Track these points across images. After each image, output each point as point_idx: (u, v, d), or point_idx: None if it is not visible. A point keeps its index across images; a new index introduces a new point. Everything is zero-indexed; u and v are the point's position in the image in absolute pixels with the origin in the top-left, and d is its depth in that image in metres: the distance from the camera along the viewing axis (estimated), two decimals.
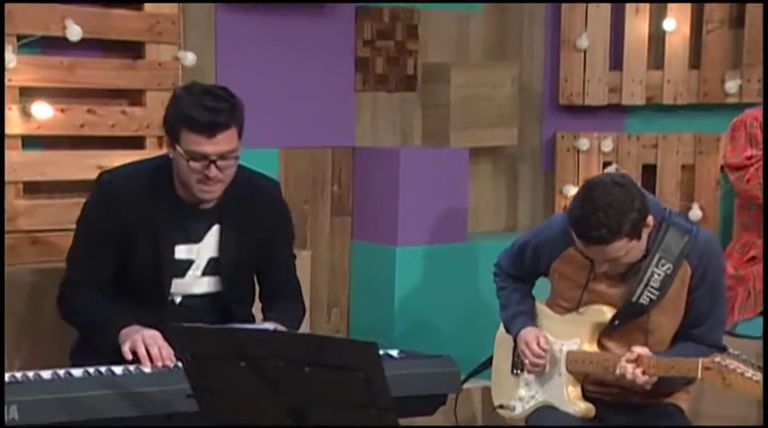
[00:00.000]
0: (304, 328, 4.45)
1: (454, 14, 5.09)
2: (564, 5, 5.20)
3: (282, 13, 4.48)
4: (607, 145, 5.24)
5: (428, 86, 5.00)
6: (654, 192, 5.16)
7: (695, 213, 5.09)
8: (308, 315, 4.64)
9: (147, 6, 4.01)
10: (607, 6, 5.18)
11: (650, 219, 3.02)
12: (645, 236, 3.04)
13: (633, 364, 2.99)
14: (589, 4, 5.18)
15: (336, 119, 4.75)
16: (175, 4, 3.98)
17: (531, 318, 3.35)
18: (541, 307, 3.38)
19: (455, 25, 5.10)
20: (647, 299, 3.09)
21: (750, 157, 3.61)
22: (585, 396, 3.22)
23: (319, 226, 4.76)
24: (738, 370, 2.79)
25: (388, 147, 4.83)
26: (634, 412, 3.20)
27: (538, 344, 3.24)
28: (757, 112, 3.74)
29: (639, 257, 3.08)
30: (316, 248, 4.73)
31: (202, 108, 3.04)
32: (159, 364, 2.95)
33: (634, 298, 3.10)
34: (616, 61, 5.24)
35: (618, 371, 3.02)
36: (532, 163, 5.39)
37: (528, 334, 3.28)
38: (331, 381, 2.32)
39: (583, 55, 5.22)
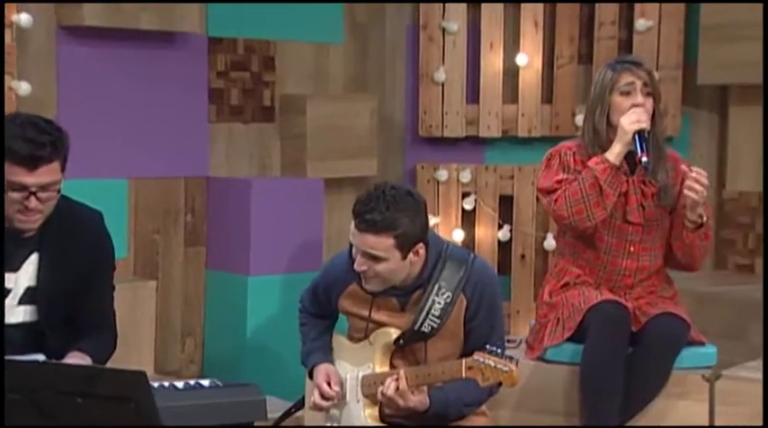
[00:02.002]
0: (150, 357, 4.50)
1: (313, 46, 5.14)
2: (422, 39, 5.29)
3: (131, 43, 4.51)
4: (465, 176, 5.32)
5: (285, 117, 5.05)
6: (511, 222, 5.27)
7: (550, 243, 5.18)
8: (161, 345, 4.71)
9: None
10: (463, 41, 5.28)
11: (422, 250, 3.18)
12: (413, 262, 3.18)
13: (395, 382, 3.12)
14: (446, 39, 5.28)
15: (189, 149, 4.78)
16: (8, 32, 3.98)
17: (326, 354, 3.45)
18: (339, 339, 3.48)
19: (314, 56, 5.16)
20: (429, 327, 3.23)
21: (560, 181, 3.71)
22: (385, 421, 3.29)
23: (172, 255, 4.77)
24: (493, 364, 2.99)
25: (240, 178, 4.86)
26: None
27: (328, 384, 3.34)
28: (571, 144, 3.86)
29: (398, 281, 3.21)
30: (168, 278, 4.74)
31: (23, 140, 3.04)
32: None
33: (416, 327, 3.23)
34: (473, 95, 5.34)
35: (380, 395, 3.15)
36: None
37: (318, 374, 3.39)
38: (103, 412, 2.34)
39: (441, 88, 5.31)
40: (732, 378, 3.57)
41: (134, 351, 4.35)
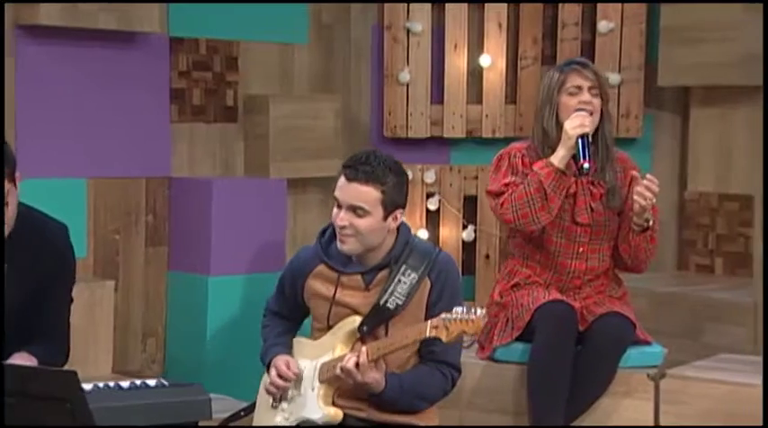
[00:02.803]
0: (108, 357, 4.51)
1: (277, 46, 5.15)
2: (386, 40, 5.31)
3: (90, 42, 4.51)
4: (430, 176, 5.33)
5: (248, 118, 5.06)
6: (475, 223, 5.29)
7: None
8: (122, 345, 4.71)
9: None
10: (427, 42, 5.29)
11: (400, 216, 3.28)
12: (389, 229, 3.26)
13: (356, 357, 3.13)
14: (410, 39, 5.29)
15: (151, 149, 4.78)
16: None
17: (287, 349, 3.44)
18: (299, 339, 3.49)
19: (278, 57, 5.17)
20: (394, 304, 3.24)
21: (507, 184, 3.73)
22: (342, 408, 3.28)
23: (133, 256, 4.77)
24: (457, 318, 3.01)
25: (201, 178, 4.87)
26: None
27: (287, 367, 3.32)
28: (522, 145, 3.88)
29: (372, 245, 3.25)
30: (129, 278, 4.74)
31: None
32: None
33: (382, 302, 3.24)
34: (437, 95, 5.35)
35: (338, 370, 3.14)
36: None
37: (277, 359, 3.37)
38: (37, 412, 2.35)
39: (405, 89, 5.32)
40: (677, 378, 3.60)
41: (92, 350, 4.35)
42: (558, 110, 3.75)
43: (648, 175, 3.66)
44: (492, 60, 5.30)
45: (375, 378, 3.16)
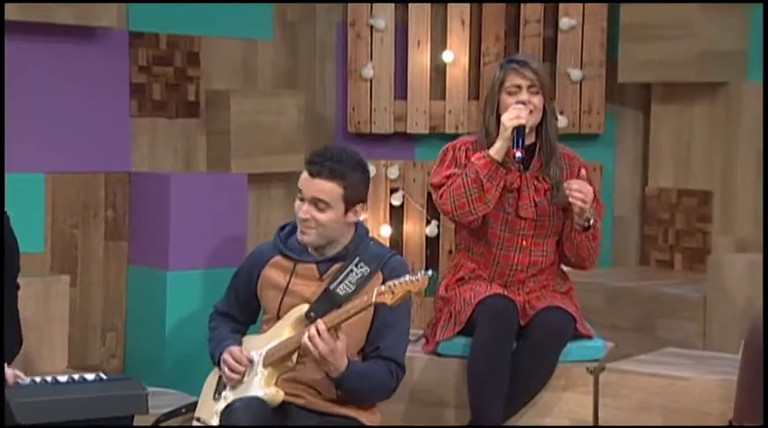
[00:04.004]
0: (64, 352, 4.51)
1: (240, 41, 5.16)
2: (350, 36, 5.32)
3: (49, 37, 4.52)
4: (393, 172, 5.35)
5: (210, 113, 5.06)
6: (438, 218, 5.30)
7: None
8: (81, 340, 4.72)
9: None
10: (391, 38, 5.31)
11: (361, 211, 3.40)
12: (348, 223, 3.35)
13: (314, 326, 3.17)
14: (374, 36, 5.30)
15: (110, 144, 4.78)
16: None
17: (237, 344, 3.45)
18: (247, 337, 3.51)
19: (241, 52, 5.18)
20: (344, 291, 3.31)
21: (448, 177, 3.75)
22: (284, 390, 3.30)
23: (92, 250, 4.77)
24: (402, 281, 3.11)
25: (160, 173, 4.87)
26: (318, 417, 3.30)
27: (240, 352, 3.35)
28: (469, 139, 3.90)
29: (332, 238, 3.34)
30: (88, 273, 4.75)
31: None
32: None
33: (332, 287, 3.32)
34: (401, 91, 5.37)
35: (303, 340, 3.17)
36: None
37: (231, 348, 3.40)
38: None
39: (369, 85, 5.33)
40: (616, 371, 3.61)
41: (46, 346, 4.35)
42: (498, 108, 3.78)
43: (582, 174, 3.69)
44: (455, 57, 5.32)
45: (338, 347, 3.16)
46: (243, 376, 3.35)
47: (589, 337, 3.75)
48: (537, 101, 3.75)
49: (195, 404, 3.60)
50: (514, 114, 3.67)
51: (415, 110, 5.37)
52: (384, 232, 5.36)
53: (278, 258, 3.44)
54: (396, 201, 5.36)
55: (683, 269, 5.07)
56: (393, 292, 3.10)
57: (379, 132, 5.36)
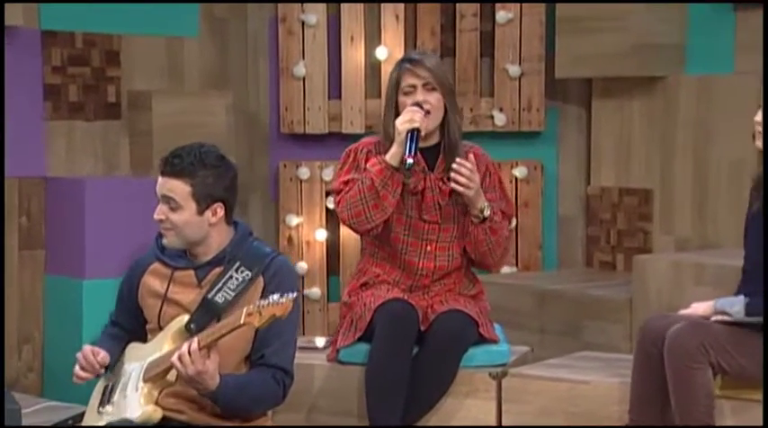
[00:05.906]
0: None
1: (164, 39, 4.98)
2: (281, 33, 5.15)
3: None
4: (328, 174, 5.18)
5: (132, 114, 4.90)
6: None
7: None
8: None
9: None
10: (323, 34, 5.15)
11: (220, 210, 3.20)
12: (211, 223, 3.18)
13: (186, 344, 3.04)
14: (305, 32, 5.13)
15: (23, 148, 4.62)
16: None
17: (110, 348, 3.31)
18: (133, 345, 3.37)
19: (165, 51, 5.00)
20: (222, 299, 3.16)
21: (347, 182, 3.61)
22: (162, 407, 3.17)
23: (6, 260, 4.60)
24: (270, 302, 2.95)
25: (74, 178, 4.70)
26: None
27: (93, 354, 3.22)
28: (372, 140, 3.77)
29: (195, 239, 3.20)
30: (1, 283, 4.56)
31: None
32: None
33: (210, 295, 3.17)
34: (335, 90, 5.20)
35: (175, 357, 3.04)
36: (262, 192, 5.32)
37: (85, 348, 3.27)
38: None
39: (302, 83, 5.17)
40: (518, 376, 3.54)
41: None
42: (397, 109, 3.64)
43: (458, 160, 3.52)
44: (389, 53, 5.16)
45: (208, 368, 3.03)
46: (124, 391, 3.21)
47: (494, 341, 3.60)
48: (434, 99, 3.60)
49: (81, 415, 3.47)
50: (408, 117, 3.53)
51: (350, 109, 5.21)
52: (319, 236, 5.20)
53: (156, 265, 3.31)
54: (331, 204, 5.16)
55: (624, 270, 4.90)
56: (260, 314, 2.96)
57: (313, 132, 5.21)
